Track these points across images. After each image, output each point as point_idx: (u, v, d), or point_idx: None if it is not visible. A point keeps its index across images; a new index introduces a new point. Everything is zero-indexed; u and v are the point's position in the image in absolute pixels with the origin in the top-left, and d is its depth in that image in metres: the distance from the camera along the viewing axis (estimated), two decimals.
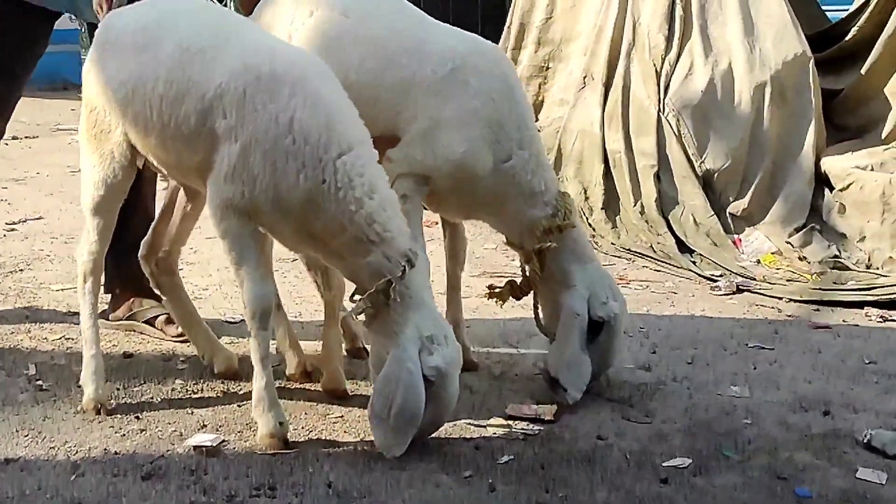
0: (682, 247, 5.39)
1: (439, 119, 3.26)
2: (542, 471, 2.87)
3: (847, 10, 6.47)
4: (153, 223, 3.58)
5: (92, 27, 3.91)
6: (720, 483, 2.85)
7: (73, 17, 4.04)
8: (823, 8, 7.10)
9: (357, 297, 2.90)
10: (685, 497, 2.76)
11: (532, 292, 3.49)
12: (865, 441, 3.11)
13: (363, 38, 3.38)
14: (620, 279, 5.09)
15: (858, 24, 6.06)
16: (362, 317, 2.89)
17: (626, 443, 3.09)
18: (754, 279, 5.04)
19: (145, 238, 3.55)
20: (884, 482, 2.89)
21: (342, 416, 3.21)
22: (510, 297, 3.57)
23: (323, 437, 3.06)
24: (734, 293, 4.82)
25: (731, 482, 2.86)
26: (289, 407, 3.23)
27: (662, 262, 5.27)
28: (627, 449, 3.03)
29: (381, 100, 3.30)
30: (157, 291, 3.66)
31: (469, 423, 3.18)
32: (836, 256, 5.22)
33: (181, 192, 3.49)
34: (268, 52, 2.96)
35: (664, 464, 2.95)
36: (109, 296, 4.08)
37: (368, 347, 3.12)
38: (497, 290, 3.59)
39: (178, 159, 3.07)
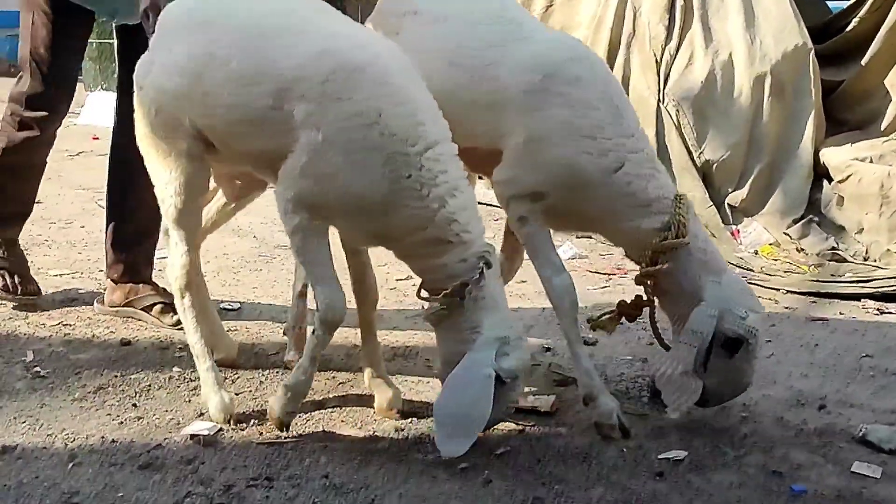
0: None
1: (538, 134, 3.05)
2: (538, 465, 2.85)
3: (848, 1, 6.44)
4: None
5: (124, 34, 3.97)
6: (716, 480, 2.83)
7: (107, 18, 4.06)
8: None
9: (424, 293, 2.83)
10: (681, 493, 2.74)
11: (649, 312, 3.23)
12: (860, 436, 3.10)
13: (456, 47, 3.20)
14: (619, 269, 5.09)
15: (859, 15, 6.05)
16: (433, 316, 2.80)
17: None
18: (752, 270, 5.04)
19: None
20: (878, 476, 2.88)
21: (339, 408, 3.20)
22: (619, 321, 3.30)
23: (320, 429, 3.04)
24: None
25: (726, 479, 2.84)
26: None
27: None
28: (624, 444, 3.01)
29: (473, 113, 3.13)
30: None
31: None
32: (833, 248, 5.22)
33: (221, 188, 3.46)
34: (352, 40, 2.81)
35: (659, 456, 2.94)
36: (108, 282, 4.07)
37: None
38: (603, 318, 3.31)
39: (248, 146, 2.90)
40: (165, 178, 3.06)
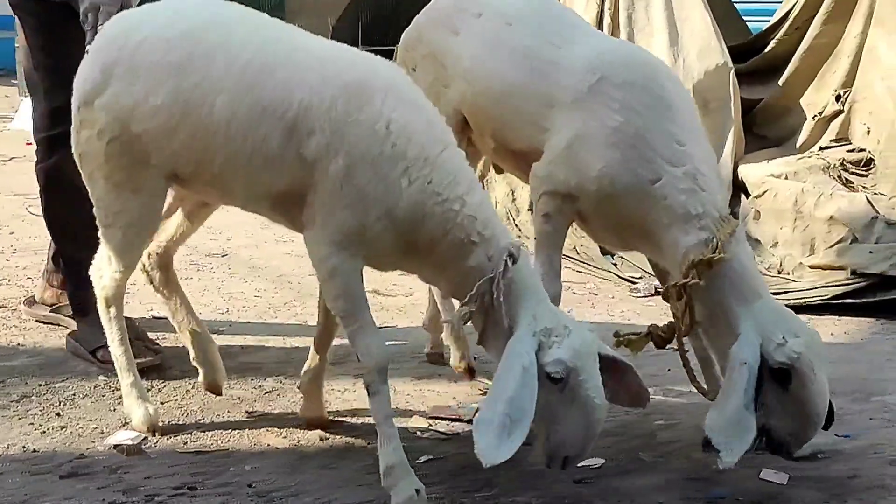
0: (604, 249, 5.42)
1: (580, 134, 2.97)
2: (465, 472, 2.85)
3: (768, 22, 6.57)
4: None
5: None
6: (638, 484, 2.86)
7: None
8: (746, 19, 7.21)
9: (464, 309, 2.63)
10: (604, 498, 2.76)
11: (677, 340, 2.98)
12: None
13: (515, 48, 3.16)
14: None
15: (778, 36, 6.18)
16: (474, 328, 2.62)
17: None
18: None
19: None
20: (785, 483, 2.93)
21: (265, 415, 3.16)
22: (646, 345, 3.07)
23: (247, 438, 3.00)
24: (652, 295, 4.86)
25: (647, 483, 2.87)
26: (213, 405, 3.17)
27: (585, 263, 5.31)
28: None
29: (524, 112, 3.09)
30: (151, 285, 3.20)
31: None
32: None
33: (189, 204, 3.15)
34: (345, 60, 2.70)
35: (579, 464, 2.94)
36: (41, 283, 3.97)
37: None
38: (631, 336, 3.08)
39: (250, 186, 2.69)
40: (114, 208, 2.82)
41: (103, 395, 3.27)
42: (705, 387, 3.07)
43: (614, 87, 2.97)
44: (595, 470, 2.91)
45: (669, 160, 2.90)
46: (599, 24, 6.27)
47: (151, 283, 3.17)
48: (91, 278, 3.01)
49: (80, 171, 2.88)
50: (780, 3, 6.41)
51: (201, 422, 3.09)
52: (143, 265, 3.12)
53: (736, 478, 2.93)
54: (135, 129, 2.69)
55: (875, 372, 3.89)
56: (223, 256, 5.12)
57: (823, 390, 2.75)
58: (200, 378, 3.16)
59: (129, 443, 2.87)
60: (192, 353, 3.16)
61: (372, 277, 4.86)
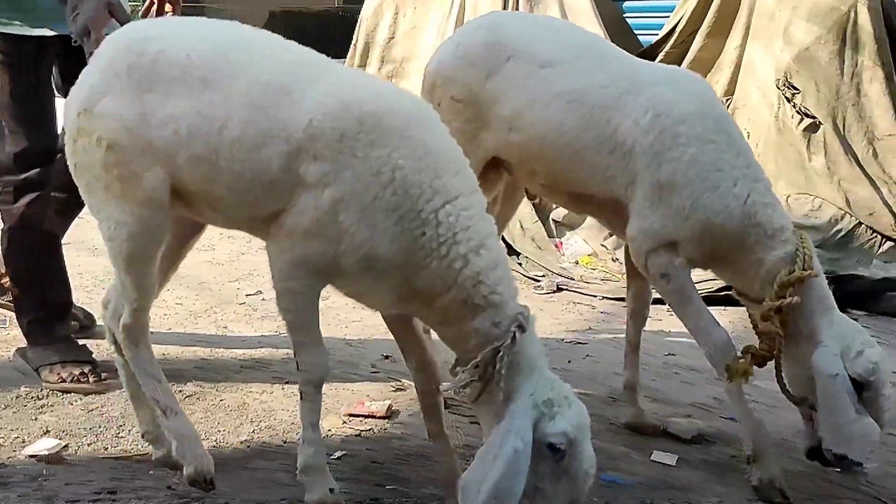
0: (510, 250, 5.46)
1: (661, 181, 2.78)
2: (375, 467, 2.84)
3: (657, 36, 6.68)
4: None
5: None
6: None
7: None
8: (637, 33, 7.32)
9: (458, 368, 2.37)
10: None
11: (776, 359, 2.81)
12: (662, 428, 3.21)
13: (560, 93, 2.92)
14: None
15: (665, 49, 6.27)
16: (467, 391, 2.35)
17: (451, 439, 3.05)
18: (573, 279, 5.15)
19: (112, 285, 2.71)
20: (674, 463, 2.98)
21: None
22: (754, 367, 2.82)
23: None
24: (554, 292, 4.92)
25: None
26: (131, 409, 3.08)
27: None
28: (452, 444, 3.01)
29: (586, 160, 2.89)
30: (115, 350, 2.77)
31: None
32: None
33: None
34: (367, 90, 2.41)
35: None
36: None
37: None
38: (738, 362, 2.81)
39: (252, 210, 2.44)
40: (116, 217, 2.48)
41: (25, 405, 3.16)
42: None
43: (674, 122, 2.80)
44: None
45: (753, 176, 2.80)
46: None
47: (120, 351, 2.72)
48: (106, 325, 2.70)
49: (76, 184, 2.57)
50: (668, 18, 6.53)
51: (122, 427, 3.01)
52: (117, 341, 2.69)
53: (627, 462, 2.98)
54: (142, 139, 2.42)
55: None
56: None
57: (889, 400, 2.73)
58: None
59: (48, 451, 2.78)
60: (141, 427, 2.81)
61: None
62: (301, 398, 2.49)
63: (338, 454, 2.89)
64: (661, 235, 2.82)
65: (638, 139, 2.82)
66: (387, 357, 3.81)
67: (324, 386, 3.37)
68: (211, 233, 2.98)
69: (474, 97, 3.04)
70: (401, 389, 3.47)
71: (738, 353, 2.83)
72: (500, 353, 2.25)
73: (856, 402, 2.65)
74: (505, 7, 6.25)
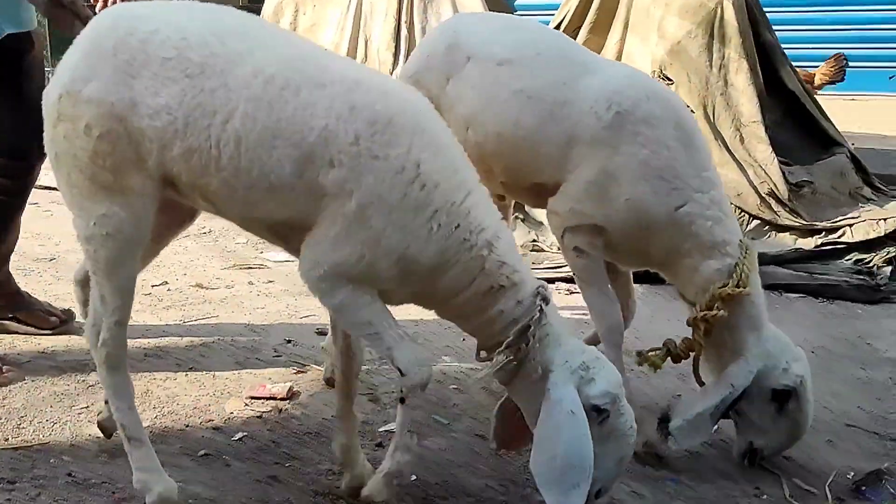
0: None
1: (606, 169, 2.80)
2: (274, 447, 2.83)
3: None
4: None
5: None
6: (430, 445, 2.91)
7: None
8: None
9: (483, 353, 2.34)
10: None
11: (693, 361, 2.91)
12: None
13: (519, 90, 2.91)
14: None
15: None
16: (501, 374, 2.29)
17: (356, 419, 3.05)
18: None
19: (84, 262, 2.54)
20: None
21: (87, 408, 3.02)
22: (666, 361, 2.92)
23: (68, 431, 2.86)
24: None
25: (439, 444, 2.93)
26: (36, 402, 3.01)
27: None
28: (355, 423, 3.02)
29: (542, 154, 2.88)
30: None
31: (210, 406, 3.08)
32: (534, 241, 5.47)
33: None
34: (377, 91, 2.25)
35: (380, 430, 2.98)
36: None
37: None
38: (652, 353, 2.92)
39: (248, 210, 2.26)
40: (98, 211, 2.25)
41: None
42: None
43: (637, 121, 2.80)
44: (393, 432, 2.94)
45: (697, 188, 2.80)
46: (398, 34, 6.32)
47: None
48: (87, 338, 2.46)
49: (55, 173, 2.34)
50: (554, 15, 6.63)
51: (24, 418, 2.93)
52: (86, 300, 2.55)
53: None
54: (131, 127, 2.20)
55: (637, 332, 4.08)
56: (51, 261, 4.86)
57: (811, 409, 2.87)
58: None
59: None
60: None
61: (197, 272, 4.75)
62: (403, 404, 2.28)
63: (239, 436, 2.87)
64: (587, 218, 2.86)
65: (597, 133, 2.82)
66: (289, 341, 3.78)
67: (229, 370, 3.41)
68: None
69: (436, 100, 2.91)
70: (302, 372, 3.46)
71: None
72: (532, 329, 2.22)
73: (719, 413, 2.79)
74: (400, 5, 6.26)
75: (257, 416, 3.03)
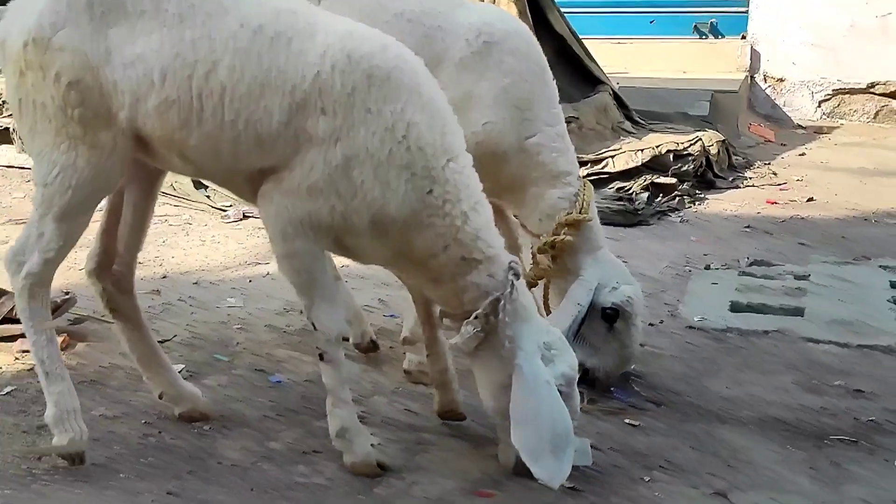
0: (198, 183, 5.28)
1: (471, 94, 2.81)
2: (42, 397, 2.67)
3: None
4: (99, 230, 2.50)
5: None
6: (210, 384, 2.86)
7: None
8: None
9: (447, 320, 2.33)
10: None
11: (545, 284, 2.95)
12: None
13: (399, 13, 2.87)
14: None
15: None
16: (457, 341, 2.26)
17: (129, 362, 2.85)
18: None
19: (92, 249, 2.49)
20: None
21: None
22: None
23: None
24: (241, 220, 4.86)
25: (219, 381, 2.90)
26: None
27: (181, 198, 5.16)
28: (129, 367, 2.91)
29: None
30: (110, 316, 2.59)
31: None
32: None
33: (129, 190, 2.46)
34: (375, 43, 2.20)
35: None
36: None
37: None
38: None
39: (232, 162, 2.18)
40: (62, 162, 2.16)
41: None
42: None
43: (503, 51, 2.85)
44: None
45: (546, 121, 2.87)
46: None
47: (115, 313, 2.54)
48: (5, 267, 2.29)
49: (16, 119, 2.23)
50: None
51: None
52: (106, 291, 2.50)
53: (294, 365, 3.05)
54: (104, 78, 2.11)
55: None
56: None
57: (639, 333, 2.92)
58: (177, 411, 2.59)
59: None
60: (154, 389, 2.60)
61: None
62: (322, 360, 2.29)
63: (7, 389, 2.72)
64: None
65: (466, 58, 2.86)
66: (66, 293, 3.59)
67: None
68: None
69: None
70: (79, 322, 3.30)
71: None
72: (502, 303, 2.21)
73: (574, 332, 2.80)
74: None
75: (28, 370, 2.87)
